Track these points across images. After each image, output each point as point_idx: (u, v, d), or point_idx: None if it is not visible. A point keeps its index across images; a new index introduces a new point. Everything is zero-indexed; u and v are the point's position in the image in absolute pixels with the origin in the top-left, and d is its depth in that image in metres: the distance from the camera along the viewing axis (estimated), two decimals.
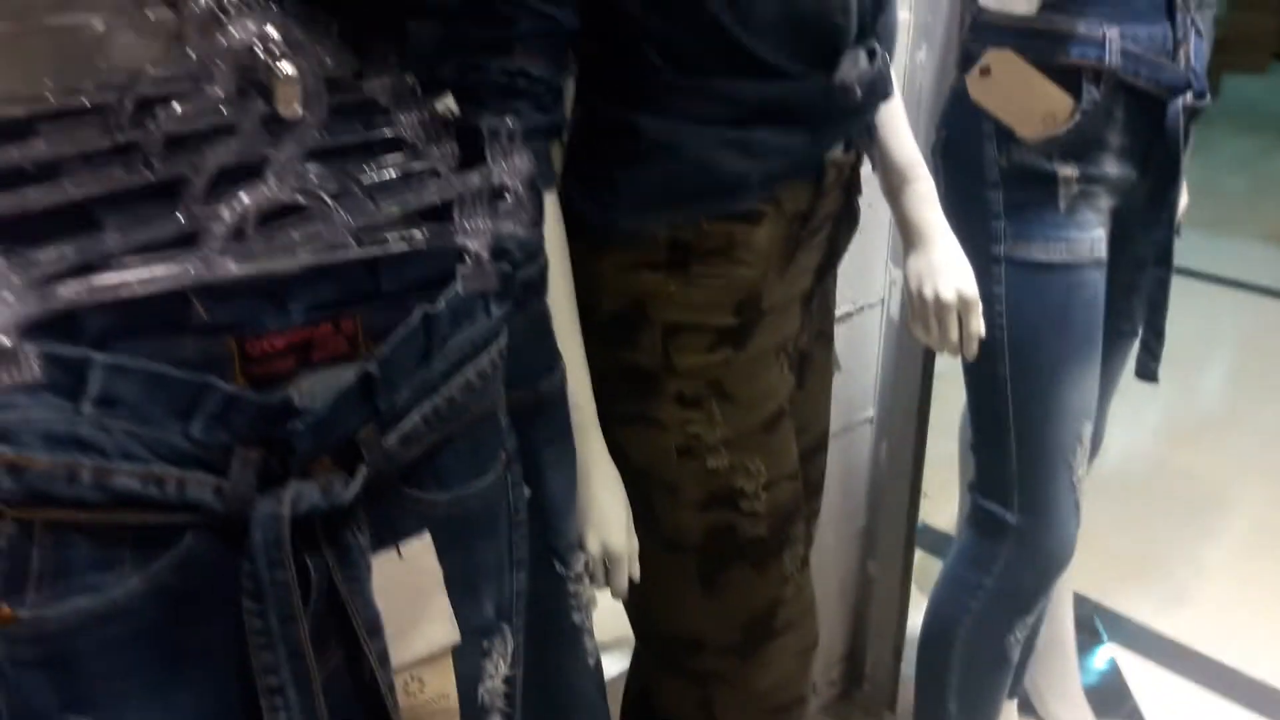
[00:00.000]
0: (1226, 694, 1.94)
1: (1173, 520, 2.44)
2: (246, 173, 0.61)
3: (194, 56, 0.60)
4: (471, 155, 0.74)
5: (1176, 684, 1.96)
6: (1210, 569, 2.29)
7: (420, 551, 0.71)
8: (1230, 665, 2.01)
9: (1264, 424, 2.88)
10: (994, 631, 1.33)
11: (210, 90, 0.59)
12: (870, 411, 1.73)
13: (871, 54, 0.89)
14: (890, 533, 1.80)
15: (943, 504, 1.83)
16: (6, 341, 0.53)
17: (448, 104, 0.80)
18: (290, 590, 0.62)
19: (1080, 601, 1.85)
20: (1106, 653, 2.00)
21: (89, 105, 0.63)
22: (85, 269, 0.57)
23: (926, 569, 1.88)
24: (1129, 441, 2.59)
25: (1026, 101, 1.14)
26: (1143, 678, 1.95)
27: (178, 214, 0.61)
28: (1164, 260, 1.27)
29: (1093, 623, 2.02)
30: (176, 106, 0.60)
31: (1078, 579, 1.77)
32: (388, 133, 0.73)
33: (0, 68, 0.71)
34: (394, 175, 0.71)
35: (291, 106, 0.58)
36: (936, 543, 2.05)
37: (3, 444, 0.54)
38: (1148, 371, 1.31)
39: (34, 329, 0.55)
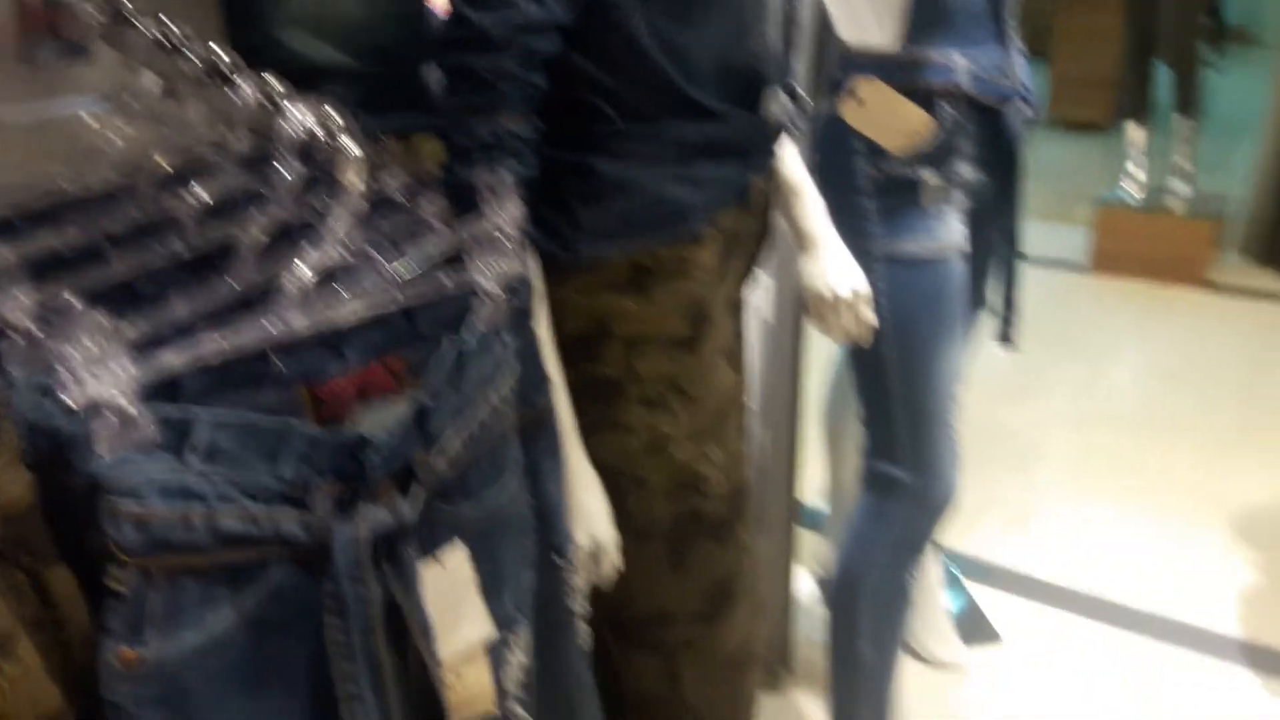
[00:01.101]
0: (1067, 608, 2.22)
1: (1002, 469, 2.73)
2: (300, 237, 0.69)
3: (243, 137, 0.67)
4: (464, 206, 0.83)
5: (1024, 606, 2.22)
6: (1037, 507, 2.58)
7: (457, 559, 0.80)
8: (1065, 585, 2.29)
9: (1068, 380, 3.23)
10: (896, 575, 1.50)
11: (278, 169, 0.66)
12: (752, 404, 1.88)
13: (791, 92, 1.03)
14: (775, 509, 1.96)
15: (808, 481, 2.02)
16: (128, 407, 0.59)
17: (425, 162, 0.88)
18: (371, 604, 0.69)
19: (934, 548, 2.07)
20: (961, 589, 2.24)
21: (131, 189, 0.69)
22: (169, 336, 0.64)
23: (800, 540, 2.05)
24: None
25: (893, 122, 1.30)
26: (994, 606, 2.19)
27: (236, 279, 0.68)
28: (1012, 244, 1.47)
29: (946, 565, 2.25)
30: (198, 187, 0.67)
31: None
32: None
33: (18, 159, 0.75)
34: (401, 230, 0.80)
35: (355, 180, 0.66)
36: (806, 515, 2.24)
37: (129, 499, 0.59)
38: (1008, 338, 1.51)
39: (143, 392, 0.60)
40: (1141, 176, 3.97)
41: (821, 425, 2.08)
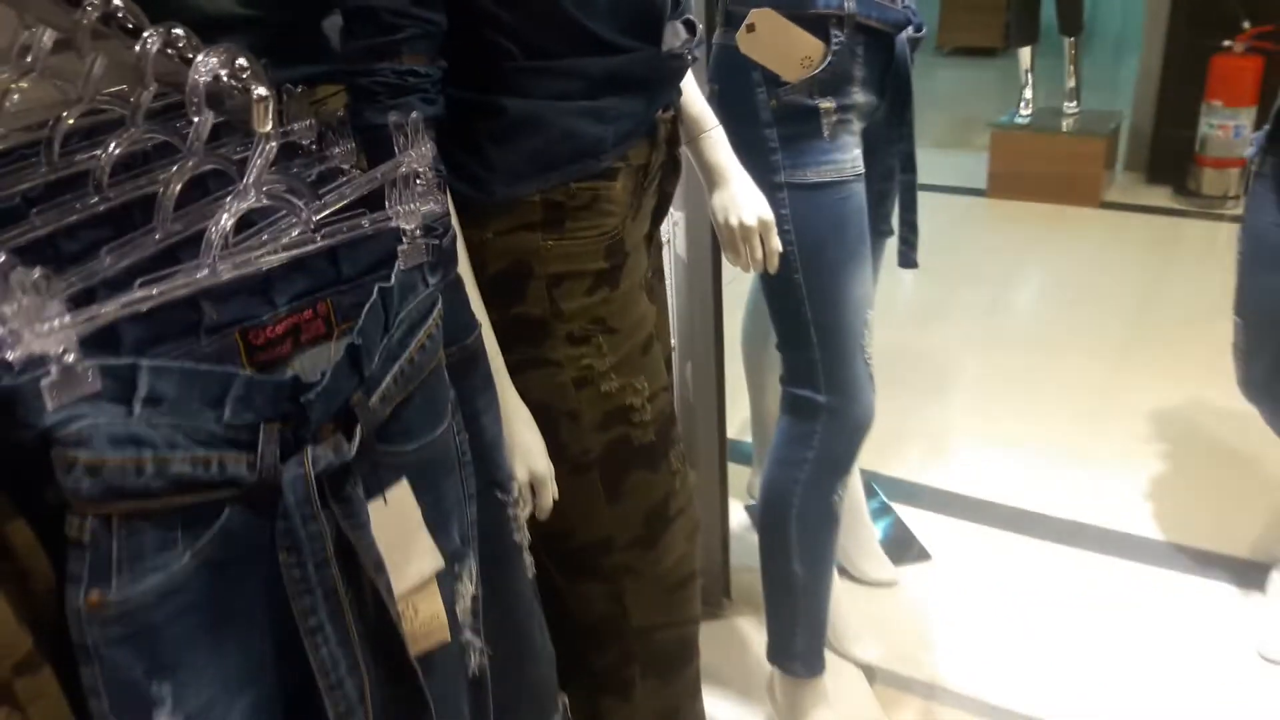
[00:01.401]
0: (989, 522, 2.32)
1: (916, 394, 2.83)
2: (216, 186, 0.70)
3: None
4: (376, 149, 0.85)
5: (948, 523, 2.32)
6: (953, 428, 2.69)
7: (401, 496, 0.82)
8: (985, 499, 2.40)
9: (972, 303, 3.34)
10: (821, 495, 1.56)
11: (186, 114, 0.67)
12: (674, 341, 1.92)
13: (689, 25, 1.06)
14: (704, 443, 2.01)
15: (733, 414, 2.07)
16: (70, 360, 0.60)
17: (333, 107, 0.90)
18: (324, 538, 0.72)
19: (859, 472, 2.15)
20: (887, 510, 2.33)
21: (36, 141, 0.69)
22: (102, 290, 0.65)
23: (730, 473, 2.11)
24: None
25: (786, 50, 1.34)
26: (921, 525, 2.29)
27: (158, 231, 0.69)
28: (909, 168, 1.52)
29: (871, 488, 2.34)
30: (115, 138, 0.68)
31: None
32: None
33: None
34: (314, 175, 0.81)
35: (265, 123, 0.67)
36: (734, 449, 2.30)
37: (81, 449, 0.61)
38: (909, 261, 1.57)
39: (84, 346, 0.62)
40: (1027, 97, 4.10)
41: (741, 357, 2.14)
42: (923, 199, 1.58)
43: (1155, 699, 1.82)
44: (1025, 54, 4.03)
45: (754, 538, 1.70)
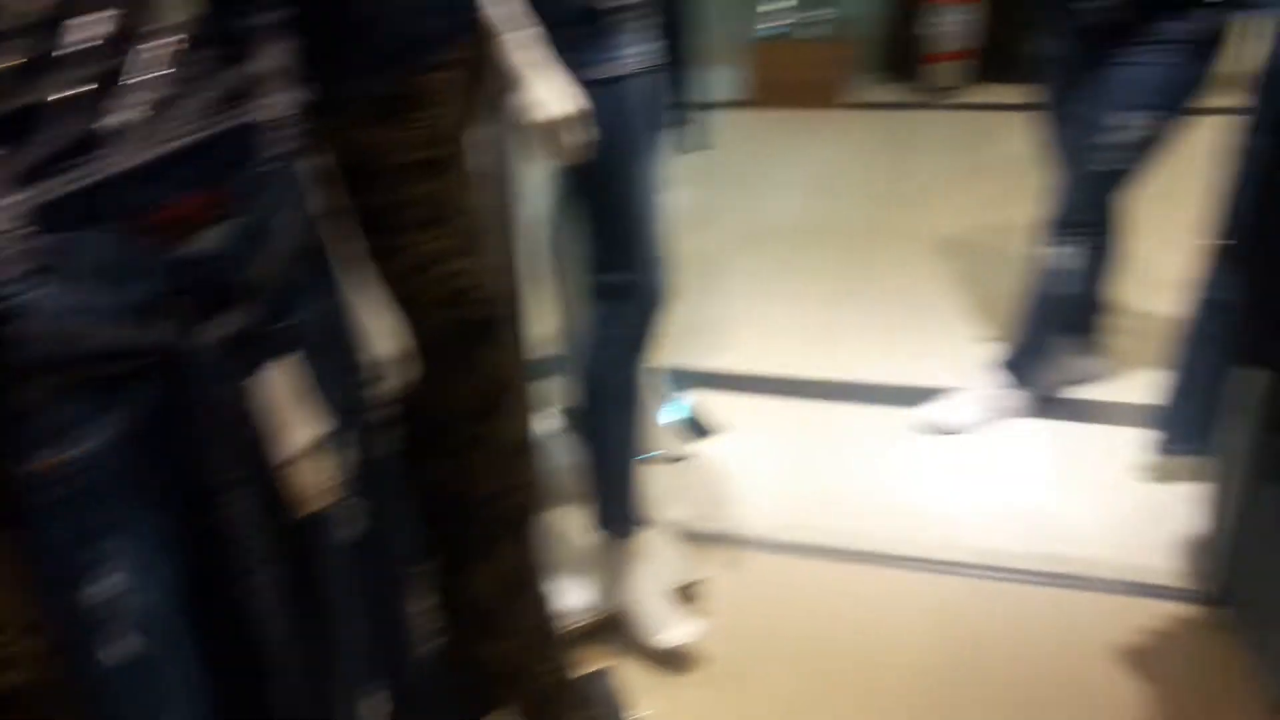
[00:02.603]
0: (767, 393, 2.61)
1: (697, 291, 3.04)
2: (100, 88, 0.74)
3: None
4: (231, 51, 0.90)
5: (739, 400, 2.57)
6: (733, 315, 2.93)
7: (288, 367, 0.90)
8: (762, 373, 2.68)
9: (737, 206, 3.58)
10: (632, 374, 1.71)
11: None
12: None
13: None
14: None
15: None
16: None
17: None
18: (238, 396, 0.80)
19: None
20: (683, 398, 2.53)
21: None
22: (7, 180, 0.69)
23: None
24: None
25: None
26: (715, 405, 2.52)
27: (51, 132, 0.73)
28: (685, 60, 1.66)
29: (663, 382, 2.53)
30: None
31: None
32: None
33: None
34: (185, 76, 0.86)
35: (135, 34, 0.72)
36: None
37: (5, 324, 0.66)
38: (700, 144, 1.72)
39: None
40: (783, 9, 4.35)
41: (547, 261, 2.25)
42: (695, 82, 1.73)
43: (892, 499, 2.14)
44: None
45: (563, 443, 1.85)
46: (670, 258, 1.68)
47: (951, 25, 4.17)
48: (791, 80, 4.27)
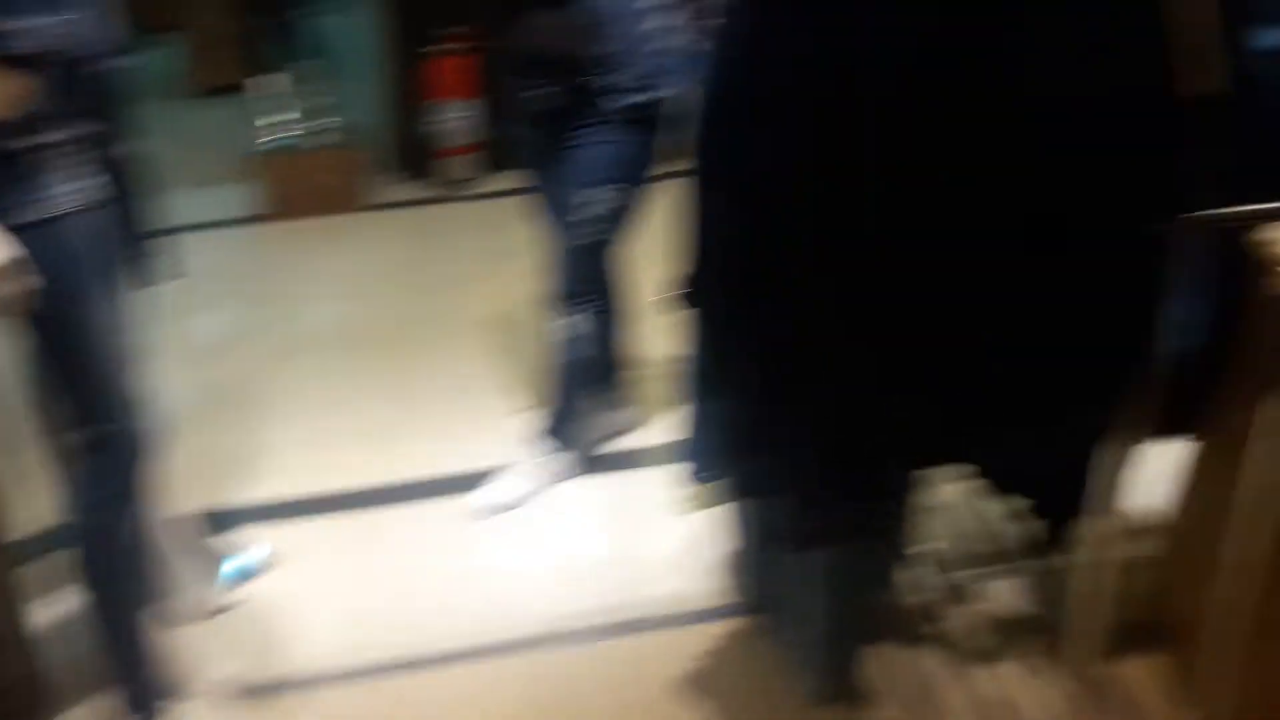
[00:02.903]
0: (332, 511, 2.52)
1: (233, 418, 2.88)
2: None
3: None
4: None
5: (293, 527, 2.46)
6: (273, 439, 2.80)
7: None
8: (325, 491, 2.58)
9: (268, 322, 3.44)
10: (129, 526, 1.57)
11: None
12: None
13: None
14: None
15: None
16: None
17: None
18: None
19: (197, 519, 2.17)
20: (219, 542, 2.33)
21: None
22: None
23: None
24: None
25: None
26: (268, 537, 2.37)
27: None
28: (133, 189, 1.57)
29: (196, 529, 2.33)
30: None
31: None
32: None
33: None
34: None
35: None
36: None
37: None
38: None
39: None
40: (285, 120, 4.29)
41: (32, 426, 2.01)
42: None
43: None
44: (279, 80, 4.20)
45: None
46: (152, 399, 1.57)
47: (455, 121, 4.33)
48: (307, 189, 4.20)
